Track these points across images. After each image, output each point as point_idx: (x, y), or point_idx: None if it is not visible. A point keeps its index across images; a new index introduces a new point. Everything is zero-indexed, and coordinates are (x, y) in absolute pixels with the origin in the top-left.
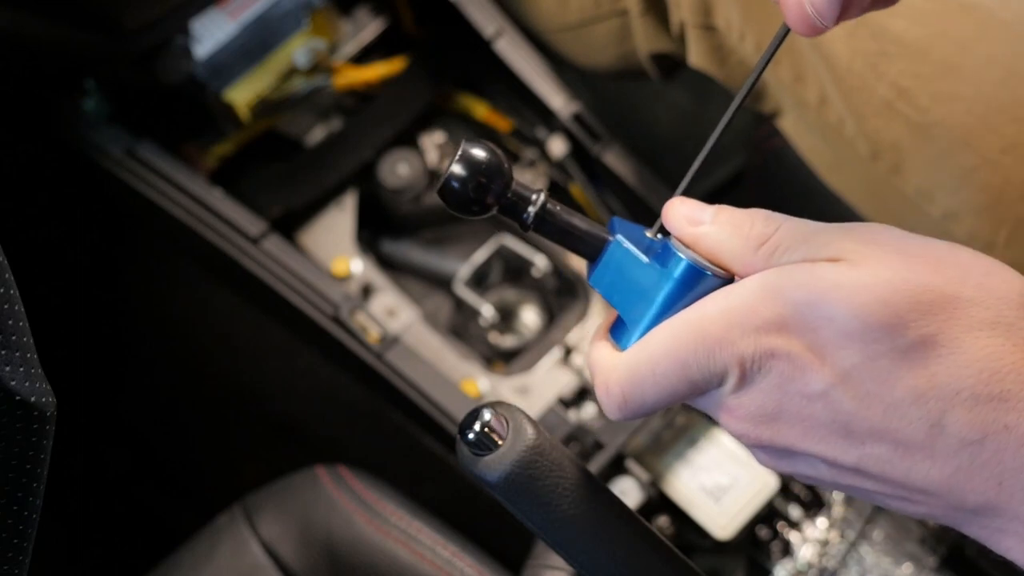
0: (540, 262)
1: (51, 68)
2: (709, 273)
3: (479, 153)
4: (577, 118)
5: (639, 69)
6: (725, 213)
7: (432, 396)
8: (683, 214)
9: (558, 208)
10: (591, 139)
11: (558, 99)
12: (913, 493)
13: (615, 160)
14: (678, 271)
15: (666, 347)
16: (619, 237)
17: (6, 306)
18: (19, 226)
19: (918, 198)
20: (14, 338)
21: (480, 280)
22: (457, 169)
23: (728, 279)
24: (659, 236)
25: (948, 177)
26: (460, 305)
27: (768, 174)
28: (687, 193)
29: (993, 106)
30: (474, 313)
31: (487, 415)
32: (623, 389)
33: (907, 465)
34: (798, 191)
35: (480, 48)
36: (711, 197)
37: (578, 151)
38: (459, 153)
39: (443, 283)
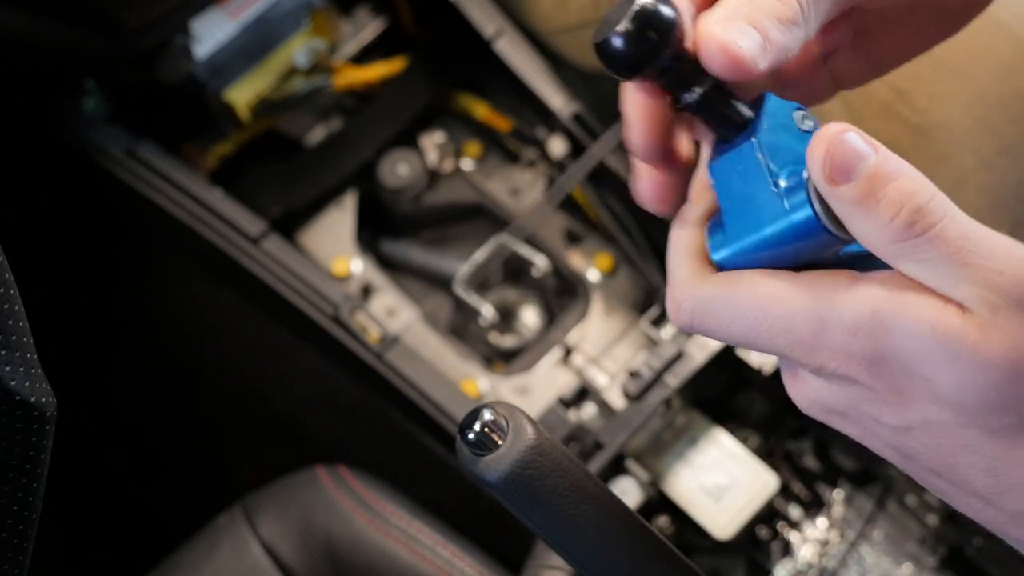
0: (540, 262)
1: (51, 68)
2: (830, 232)
3: (658, 9)
4: (577, 118)
5: None
6: (877, 185)
7: (432, 396)
8: (830, 161)
9: (722, 97)
10: (591, 139)
11: (558, 99)
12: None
13: (615, 160)
14: (798, 217)
15: (755, 305)
16: (754, 140)
17: (6, 306)
18: (19, 226)
19: None
20: (14, 338)
21: (480, 280)
22: (627, 26)
23: (850, 242)
24: (811, 126)
25: (947, 178)
26: (460, 305)
27: None
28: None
29: (991, 107)
30: (474, 313)
31: (487, 415)
32: (695, 312)
33: (955, 496)
34: None
35: (480, 48)
36: None
37: (578, 151)
38: (633, 6)
39: (443, 283)
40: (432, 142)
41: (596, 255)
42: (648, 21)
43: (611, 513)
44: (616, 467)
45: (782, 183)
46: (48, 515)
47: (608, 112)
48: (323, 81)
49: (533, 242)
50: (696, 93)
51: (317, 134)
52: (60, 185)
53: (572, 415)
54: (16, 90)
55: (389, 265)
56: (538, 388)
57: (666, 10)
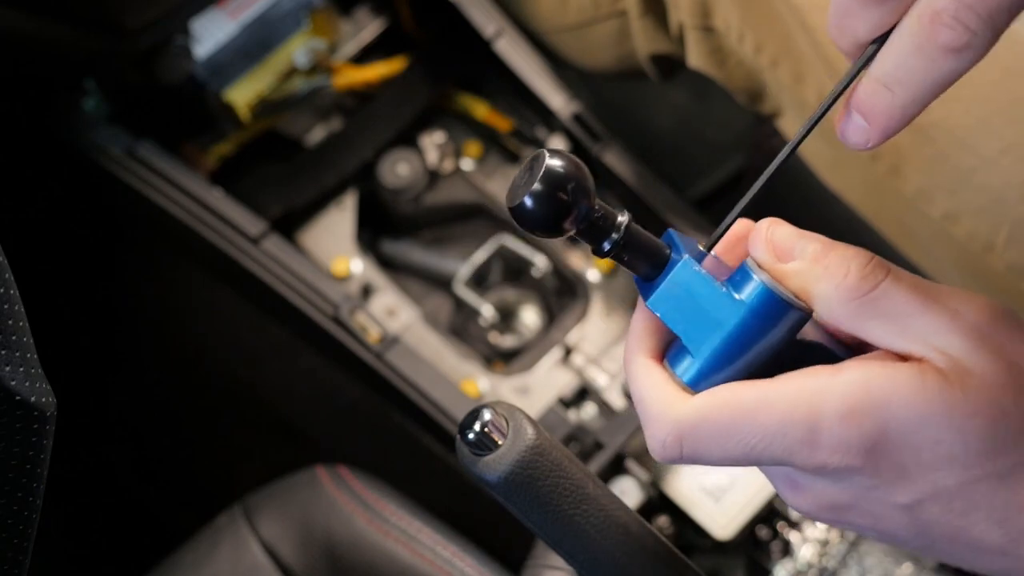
0: (540, 262)
1: (51, 68)
2: (789, 303)
3: (565, 170)
4: (577, 118)
5: (639, 70)
6: (822, 254)
7: (432, 396)
8: (772, 243)
9: (639, 231)
10: (591, 139)
11: (558, 99)
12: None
13: (615, 160)
14: (753, 297)
15: (744, 417)
16: (687, 257)
17: (6, 306)
18: (19, 226)
19: (917, 199)
20: (14, 338)
21: (480, 280)
22: (537, 188)
23: (808, 313)
24: (712, 252)
25: (947, 178)
26: (460, 305)
27: None
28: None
29: (992, 107)
30: (474, 313)
31: (487, 415)
32: (683, 439)
33: (974, 557)
34: (798, 191)
35: (480, 48)
36: (710, 197)
37: (578, 151)
38: (542, 168)
39: (443, 283)
40: (432, 142)
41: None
42: (557, 183)
43: (611, 513)
44: (616, 467)
45: (725, 281)
46: (48, 515)
47: (608, 112)
48: (323, 81)
49: (533, 242)
50: (614, 239)
51: (317, 134)
52: (60, 185)
53: (572, 415)
54: (16, 90)
55: (389, 265)
56: (538, 388)
57: (572, 169)
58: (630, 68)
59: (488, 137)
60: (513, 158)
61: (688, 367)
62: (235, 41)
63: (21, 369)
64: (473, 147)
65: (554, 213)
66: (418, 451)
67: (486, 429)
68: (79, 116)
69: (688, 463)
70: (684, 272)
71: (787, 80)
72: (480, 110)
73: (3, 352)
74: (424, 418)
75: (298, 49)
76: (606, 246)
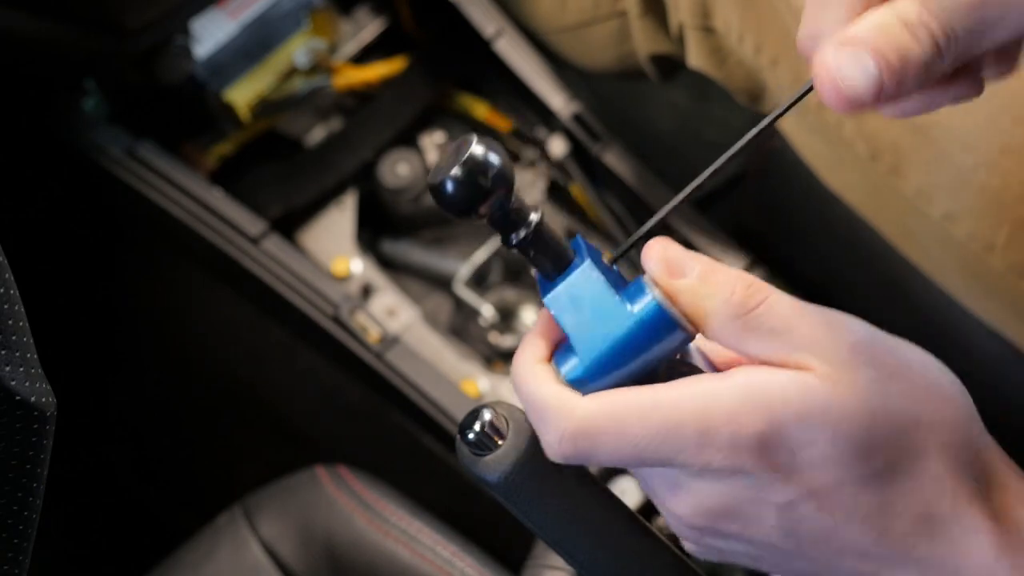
0: None
1: (51, 68)
2: (676, 322)
3: (487, 158)
4: (577, 118)
5: (638, 70)
6: (709, 273)
7: (432, 396)
8: (665, 260)
9: (550, 232)
10: (591, 139)
11: (558, 99)
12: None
13: (615, 160)
14: (644, 311)
15: (636, 416)
16: (588, 261)
17: (6, 306)
18: (19, 226)
19: (917, 199)
20: (14, 338)
21: (480, 280)
22: (458, 172)
23: (692, 335)
24: (614, 267)
25: (947, 178)
26: (460, 305)
27: (768, 174)
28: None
29: (992, 106)
30: (474, 313)
31: (487, 415)
32: (577, 437)
33: (838, 560)
34: (798, 191)
35: (480, 48)
36: (711, 198)
37: (578, 151)
38: (465, 153)
39: (443, 283)
40: (432, 142)
41: None
42: (478, 169)
43: (611, 513)
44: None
45: (621, 292)
46: (48, 515)
47: (608, 112)
48: (323, 81)
49: None
50: (523, 234)
51: (317, 134)
52: (60, 185)
53: None
54: (16, 90)
55: (389, 265)
56: None
57: (494, 158)
58: (630, 68)
59: (488, 137)
60: (513, 158)
61: (573, 367)
62: (235, 41)
63: (21, 369)
64: None
65: (470, 196)
66: (418, 451)
67: (486, 429)
68: (79, 116)
69: (580, 462)
70: (583, 276)
71: (787, 80)
72: (480, 110)
73: (3, 352)
74: (424, 418)
75: (298, 49)
76: (513, 239)
